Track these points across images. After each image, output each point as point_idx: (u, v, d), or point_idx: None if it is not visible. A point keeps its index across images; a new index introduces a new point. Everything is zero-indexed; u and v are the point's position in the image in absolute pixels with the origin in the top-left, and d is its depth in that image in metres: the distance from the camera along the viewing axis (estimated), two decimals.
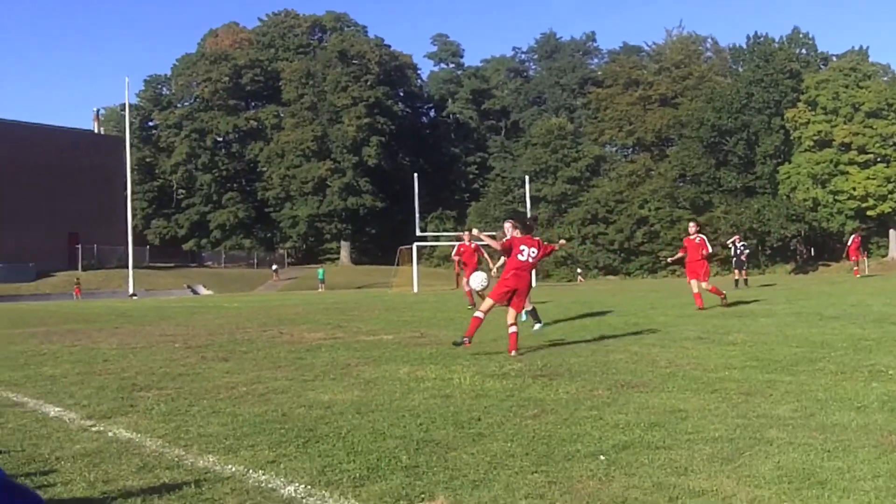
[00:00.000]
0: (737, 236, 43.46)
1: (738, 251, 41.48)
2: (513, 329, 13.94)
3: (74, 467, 6.92)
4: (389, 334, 18.66)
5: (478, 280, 16.39)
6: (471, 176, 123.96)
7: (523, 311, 17.99)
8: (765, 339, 14.94)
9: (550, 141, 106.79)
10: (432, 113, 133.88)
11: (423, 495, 5.85)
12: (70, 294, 65.93)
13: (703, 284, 23.64)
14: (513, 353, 13.57)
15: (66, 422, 9.04)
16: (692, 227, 24.79)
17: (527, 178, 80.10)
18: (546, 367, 12.33)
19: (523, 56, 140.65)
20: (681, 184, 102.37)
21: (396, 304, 34.46)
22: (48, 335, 21.17)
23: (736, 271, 41.70)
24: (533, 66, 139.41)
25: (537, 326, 18.19)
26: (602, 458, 6.69)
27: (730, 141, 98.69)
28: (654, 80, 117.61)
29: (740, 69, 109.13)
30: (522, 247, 14.23)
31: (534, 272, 16.37)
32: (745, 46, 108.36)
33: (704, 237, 24.33)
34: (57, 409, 9.90)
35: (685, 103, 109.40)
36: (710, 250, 24.34)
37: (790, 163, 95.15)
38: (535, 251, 14.27)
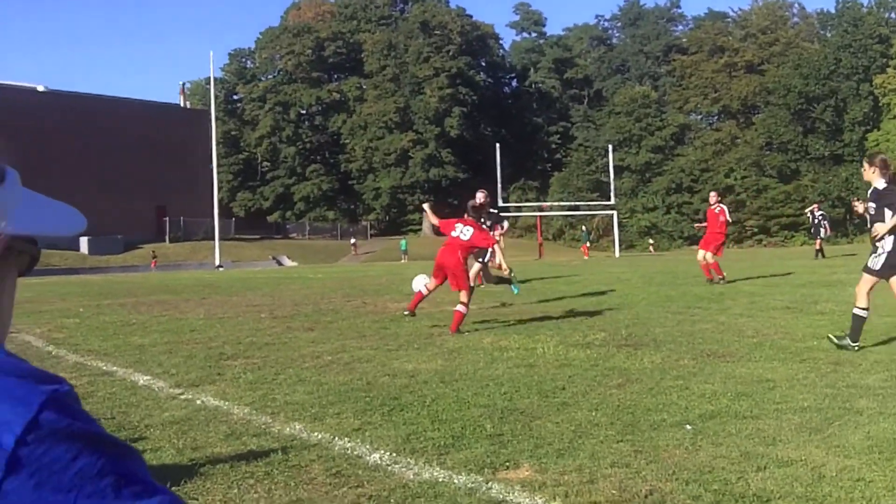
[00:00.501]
0: (815, 205, 42.61)
1: (817, 220, 40.72)
2: (458, 308, 13.70)
3: (163, 434, 7.05)
4: (473, 304, 18.70)
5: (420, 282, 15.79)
6: (553, 146, 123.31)
7: (513, 286, 18.21)
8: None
9: (634, 109, 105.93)
10: (514, 83, 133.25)
11: (507, 463, 5.86)
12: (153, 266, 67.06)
13: (708, 256, 22.79)
14: (453, 332, 13.29)
15: (154, 390, 9.20)
16: (713, 196, 24.11)
17: (610, 147, 79.46)
18: (630, 336, 12.27)
19: (606, 24, 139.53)
20: (767, 152, 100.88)
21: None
22: (136, 306, 21.55)
23: (817, 241, 40.92)
24: (616, 34, 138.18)
25: (515, 290, 18.46)
26: (688, 427, 6.65)
27: (817, 108, 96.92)
28: (739, 46, 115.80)
29: (828, 34, 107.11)
30: (458, 225, 13.98)
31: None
32: (833, 11, 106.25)
33: (725, 207, 23.56)
34: (146, 377, 10.08)
35: (771, 70, 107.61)
36: (730, 221, 23.65)
37: (879, 130, 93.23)
38: (470, 231, 13.93)
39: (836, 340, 10.42)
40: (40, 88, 76.94)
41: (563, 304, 17.92)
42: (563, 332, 13.09)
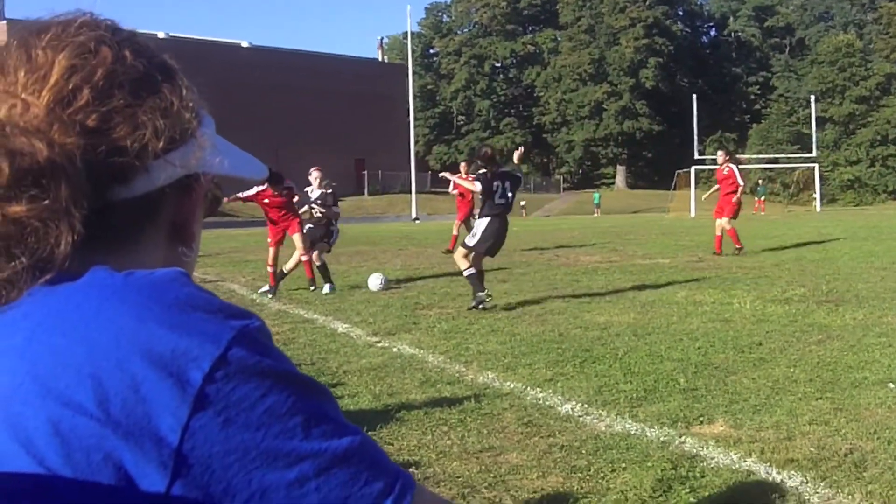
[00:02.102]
0: None
1: None
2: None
3: (361, 381, 7.23)
4: (666, 258, 18.45)
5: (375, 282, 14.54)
6: (752, 97, 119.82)
7: None
8: None
9: (838, 59, 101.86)
10: (713, 32, 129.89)
11: (701, 418, 5.80)
12: (352, 218, 68.21)
13: (723, 222, 19.27)
14: None
15: (353, 338, 9.44)
16: (720, 155, 20.66)
17: (812, 98, 76.79)
18: (831, 292, 11.92)
19: None
20: None
21: (673, 228, 34.01)
22: (336, 256, 22.02)
23: None
24: None
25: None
26: (892, 386, 6.44)
27: None
28: None
29: None
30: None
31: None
32: None
33: (734, 167, 19.61)
34: (345, 325, 10.34)
35: None
36: (742, 183, 19.36)
37: None
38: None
39: None
40: (244, 45, 79.24)
41: (761, 259, 17.51)
42: (761, 286, 12.80)
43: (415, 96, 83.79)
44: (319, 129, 78.11)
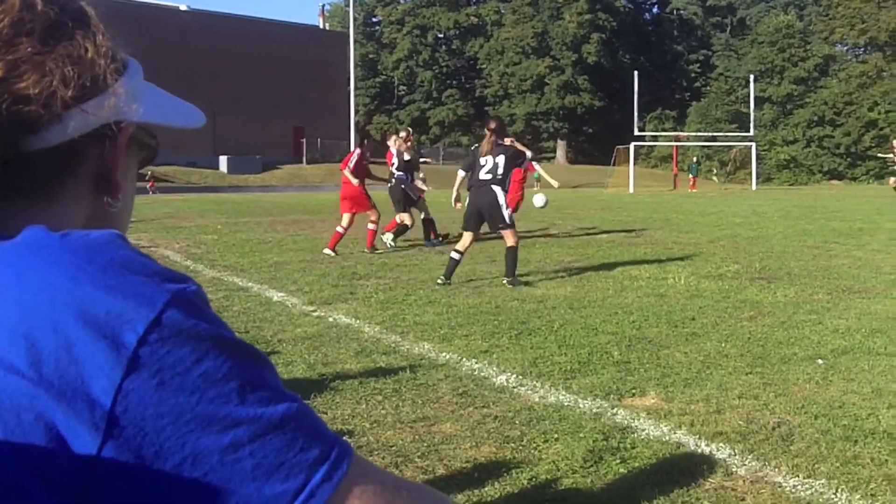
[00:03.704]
0: None
1: None
2: None
3: (295, 350, 7.22)
4: (604, 233, 18.58)
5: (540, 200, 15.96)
6: (692, 75, 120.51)
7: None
8: None
9: (778, 39, 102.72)
10: (655, 9, 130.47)
11: (633, 390, 5.87)
12: (290, 187, 67.83)
13: None
14: None
15: (288, 306, 9.41)
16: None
17: (751, 77, 77.48)
18: (764, 269, 12.09)
19: None
20: None
21: (611, 203, 34.21)
22: (273, 225, 21.94)
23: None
24: None
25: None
26: (820, 362, 6.55)
27: None
28: None
29: None
30: None
31: None
32: None
33: None
34: (280, 294, 10.30)
35: None
36: None
37: None
38: None
39: None
40: (183, 8, 78.24)
41: (696, 236, 17.70)
42: (696, 263, 12.95)
43: (356, 65, 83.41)
44: (258, 95, 77.45)
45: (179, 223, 21.58)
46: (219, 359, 0.81)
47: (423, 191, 16.69)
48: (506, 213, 11.11)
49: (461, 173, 12.12)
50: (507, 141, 11.61)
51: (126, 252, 0.86)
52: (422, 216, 16.33)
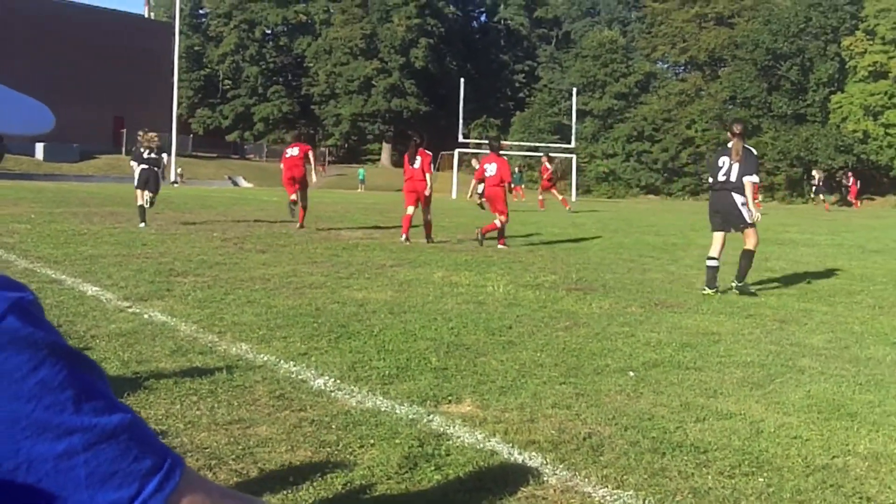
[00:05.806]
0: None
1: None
2: None
3: (109, 346, 7.03)
4: (426, 238, 18.71)
5: None
6: (517, 85, 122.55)
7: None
8: (804, 268, 14.86)
9: (601, 54, 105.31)
10: (483, 18, 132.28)
11: (450, 397, 5.90)
12: (108, 177, 66.21)
13: None
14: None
15: (102, 301, 9.16)
16: None
17: (574, 90, 79.26)
18: (581, 281, 12.35)
19: None
20: (730, 106, 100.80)
21: (434, 209, 34.43)
22: (89, 216, 21.36)
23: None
24: None
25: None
26: (631, 374, 6.72)
27: (783, 65, 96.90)
28: None
29: None
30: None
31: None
32: None
33: None
34: (95, 288, 10.02)
35: (741, 24, 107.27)
36: None
37: (843, 92, 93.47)
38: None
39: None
40: None
41: (516, 245, 17.97)
42: (514, 271, 13.14)
43: (180, 56, 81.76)
44: (77, 82, 75.18)
45: None
46: (55, 367, 0.82)
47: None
48: (746, 213, 11.47)
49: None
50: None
51: None
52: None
